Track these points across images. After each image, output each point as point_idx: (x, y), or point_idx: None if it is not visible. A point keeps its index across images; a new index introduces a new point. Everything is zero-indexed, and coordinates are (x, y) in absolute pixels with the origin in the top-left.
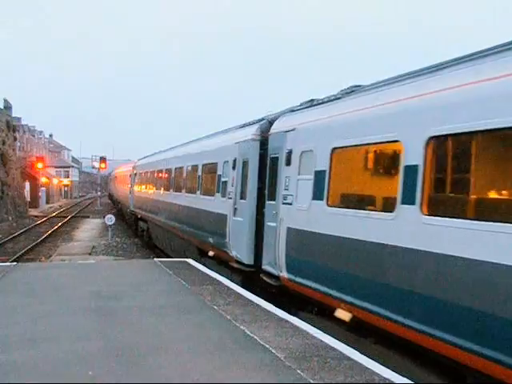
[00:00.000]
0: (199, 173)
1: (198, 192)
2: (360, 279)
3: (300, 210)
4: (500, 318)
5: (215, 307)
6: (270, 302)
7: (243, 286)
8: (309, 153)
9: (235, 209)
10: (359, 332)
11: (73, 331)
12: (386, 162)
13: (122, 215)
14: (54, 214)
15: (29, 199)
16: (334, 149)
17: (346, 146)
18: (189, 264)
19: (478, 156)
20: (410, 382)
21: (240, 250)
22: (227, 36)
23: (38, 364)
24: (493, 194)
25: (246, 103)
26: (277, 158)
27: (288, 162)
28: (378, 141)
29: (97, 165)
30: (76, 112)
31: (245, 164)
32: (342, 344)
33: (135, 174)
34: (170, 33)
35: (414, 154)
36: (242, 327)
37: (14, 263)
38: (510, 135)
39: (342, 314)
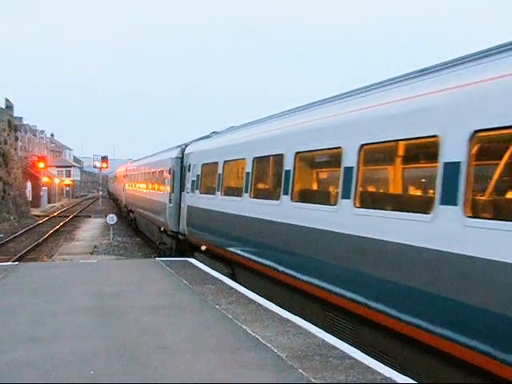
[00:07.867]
0: (149, 176)
1: (153, 190)
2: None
3: (190, 195)
4: None
5: (217, 306)
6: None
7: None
8: (196, 164)
9: (170, 199)
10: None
11: (74, 330)
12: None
13: (120, 209)
14: (56, 214)
15: (30, 199)
16: (203, 164)
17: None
18: (191, 263)
19: None
20: (411, 381)
21: (172, 223)
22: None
23: (39, 363)
24: None
25: (249, 102)
26: (187, 167)
27: (189, 170)
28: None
29: (98, 164)
30: (77, 112)
31: (173, 171)
32: (344, 343)
33: (126, 175)
34: (172, 31)
35: None
36: (243, 326)
37: (16, 263)
38: None
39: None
